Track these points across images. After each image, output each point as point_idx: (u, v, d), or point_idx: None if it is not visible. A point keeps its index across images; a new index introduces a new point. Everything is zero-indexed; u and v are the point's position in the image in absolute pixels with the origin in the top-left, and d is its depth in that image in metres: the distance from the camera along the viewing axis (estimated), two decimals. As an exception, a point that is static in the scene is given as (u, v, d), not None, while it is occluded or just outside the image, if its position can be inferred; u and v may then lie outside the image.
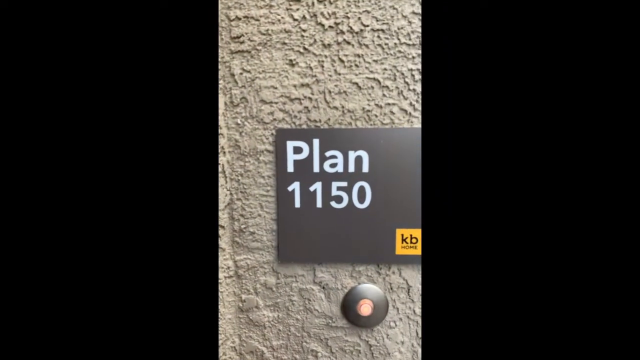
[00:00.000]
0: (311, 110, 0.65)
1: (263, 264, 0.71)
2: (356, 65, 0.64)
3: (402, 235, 0.67)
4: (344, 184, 0.66)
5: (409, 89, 0.64)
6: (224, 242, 0.69)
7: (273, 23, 0.63)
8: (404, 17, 0.62)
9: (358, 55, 0.63)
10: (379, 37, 0.63)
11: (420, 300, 0.70)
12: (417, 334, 0.71)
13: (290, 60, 0.64)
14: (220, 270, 0.69)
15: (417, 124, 0.65)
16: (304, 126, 0.66)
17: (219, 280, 0.70)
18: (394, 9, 0.62)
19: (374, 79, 0.64)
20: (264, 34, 0.64)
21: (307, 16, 0.63)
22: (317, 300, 0.71)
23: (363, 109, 0.65)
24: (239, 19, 0.64)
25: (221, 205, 0.68)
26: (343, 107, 0.65)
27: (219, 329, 0.71)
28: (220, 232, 0.69)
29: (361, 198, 0.66)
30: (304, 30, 0.63)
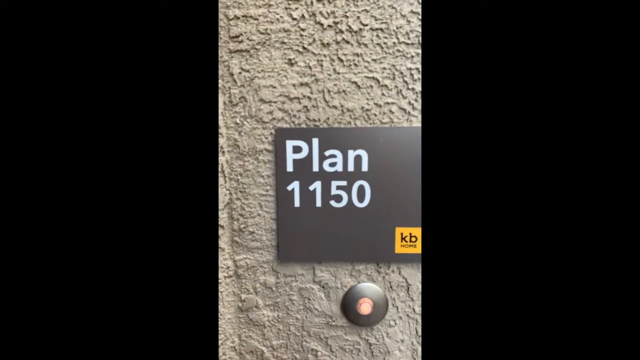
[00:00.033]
0: (310, 110, 0.65)
1: (263, 263, 0.71)
2: (355, 65, 0.64)
3: (402, 234, 0.67)
4: (344, 183, 0.66)
5: (408, 88, 0.64)
6: (223, 241, 0.69)
7: (272, 22, 0.63)
8: (403, 16, 0.62)
9: (357, 55, 0.63)
10: (377, 36, 0.63)
11: (420, 298, 0.70)
12: (416, 332, 0.71)
13: (289, 60, 0.64)
14: (219, 270, 0.69)
15: (416, 123, 0.65)
16: (303, 125, 0.66)
17: (219, 280, 0.70)
18: (393, 8, 0.62)
19: (373, 78, 0.64)
20: (262, 33, 0.64)
21: (306, 15, 0.63)
22: (317, 300, 0.71)
23: (362, 108, 0.65)
24: (238, 18, 0.63)
25: (220, 205, 0.67)
26: (342, 106, 0.65)
27: (219, 328, 0.71)
28: (220, 231, 0.68)
29: (360, 197, 0.66)
30: (303, 30, 0.63)
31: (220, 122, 0.66)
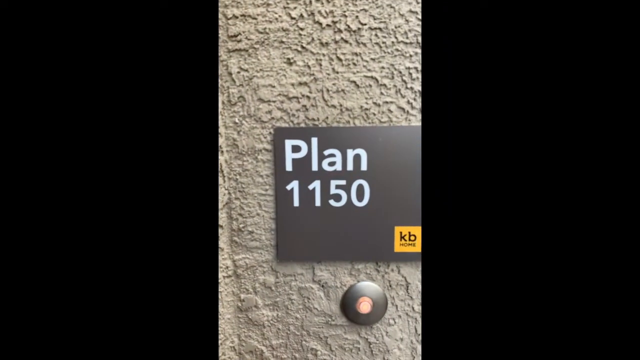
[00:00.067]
0: (309, 109, 0.65)
1: (262, 263, 0.71)
2: (354, 64, 0.64)
3: (401, 232, 0.67)
4: (343, 182, 0.66)
5: (407, 87, 0.64)
6: (222, 241, 0.69)
7: (270, 21, 0.63)
8: (401, 15, 0.62)
9: (356, 54, 0.63)
10: (376, 35, 0.63)
11: (419, 297, 0.70)
12: (415, 330, 0.71)
13: (288, 59, 0.64)
14: (218, 269, 0.69)
15: (415, 122, 0.65)
16: (302, 125, 0.66)
17: (218, 280, 0.70)
18: (391, 7, 0.62)
19: (372, 77, 0.64)
20: (261, 33, 0.64)
21: (305, 15, 0.63)
22: (317, 299, 0.71)
23: (361, 107, 0.65)
24: (236, 17, 0.63)
25: (219, 205, 0.67)
26: (341, 105, 0.65)
27: (218, 328, 0.71)
28: (219, 231, 0.68)
29: (360, 196, 0.66)
30: (302, 29, 0.63)
31: (219, 122, 0.66)
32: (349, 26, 0.63)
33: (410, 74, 0.63)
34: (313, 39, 0.63)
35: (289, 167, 0.66)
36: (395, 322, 0.71)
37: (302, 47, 0.64)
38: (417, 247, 0.68)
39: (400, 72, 0.63)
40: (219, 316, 0.70)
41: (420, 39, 0.63)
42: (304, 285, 0.71)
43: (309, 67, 0.64)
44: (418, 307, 0.71)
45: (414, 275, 0.70)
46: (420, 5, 0.62)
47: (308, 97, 0.65)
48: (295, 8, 0.63)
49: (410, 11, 0.62)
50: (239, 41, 0.64)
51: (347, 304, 0.70)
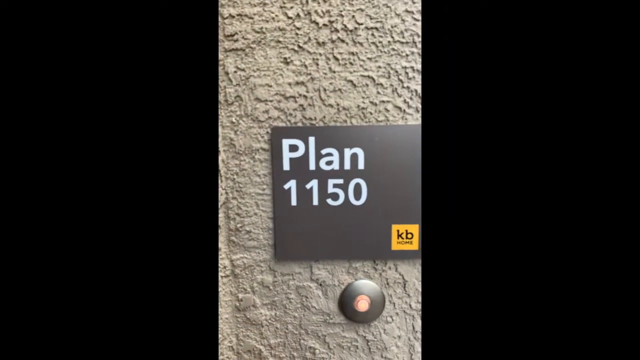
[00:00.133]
0: (306, 108, 0.65)
1: (260, 262, 0.71)
2: (351, 63, 0.64)
3: (398, 230, 0.68)
4: (340, 181, 0.66)
5: (403, 87, 0.64)
6: (220, 241, 0.69)
7: (267, 21, 0.63)
8: (397, 15, 0.62)
9: (352, 53, 0.64)
10: (372, 35, 0.63)
11: (416, 294, 0.71)
12: (413, 328, 0.72)
13: (285, 59, 0.64)
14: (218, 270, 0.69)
15: (412, 121, 0.66)
16: (299, 124, 0.66)
17: (216, 280, 0.70)
18: (387, 7, 0.62)
19: (369, 76, 0.64)
20: (257, 32, 0.64)
21: (301, 14, 0.63)
22: (315, 298, 0.71)
23: (358, 106, 0.65)
24: (233, 16, 0.63)
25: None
26: (338, 104, 0.65)
27: (217, 328, 0.71)
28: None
29: (357, 195, 0.67)
30: (298, 29, 0.63)
31: (216, 122, 0.66)
32: (345, 26, 0.63)
33: (406, 73, 0.64)
34: (310, 39, 0.63)
35: (286, 166, 0.66)
36: (392, 320, 0.72)
37: (299, 46, 0.64)
38: (414, 245, 0.68)
39: (396, 72, 0.64)
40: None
41: (416, 38, 0.63)
42: (301, 284, 0.71)
43: (305, 66, 0.64)
44: (415, 305, 0.71)
45: (411, 273, 0.70)
46: (416, 5, 0.62)
47: (305, 96, 0.65)
48: (291, 8, 0.63)
49: (407, 11, 0.62)
50: (236, 41, 0.64)
51: (345, 302, 0.70)
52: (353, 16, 0.62)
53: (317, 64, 0.64)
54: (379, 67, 0.64)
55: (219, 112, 0.66)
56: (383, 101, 0.65)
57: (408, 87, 0.64)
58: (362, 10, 0.62)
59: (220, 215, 0.69)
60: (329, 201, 0.67)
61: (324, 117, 0.65)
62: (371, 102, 0.65)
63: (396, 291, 0.71)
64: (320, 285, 0.71)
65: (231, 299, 0.72)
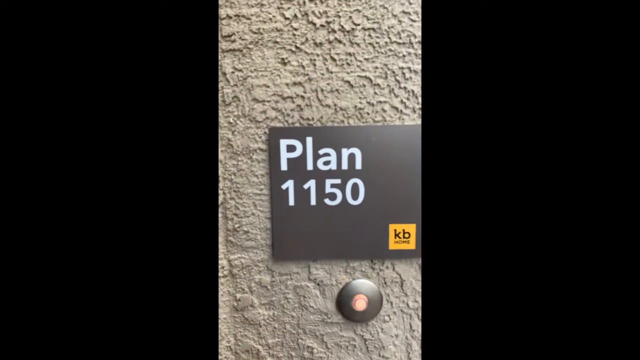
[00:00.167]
0: (304, 109, 0.66)
1: (257, 262, 0.71)
2: (348, 64, 0.64)
3: (395, 230, 0.68)
4: (338, 181, 0.67)
5: (400, 87, 0.65)
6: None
7: (264, 22, 0.64)
8: (394, 16, 0.63)
9: (350, 54, 0.64)
10: (370, 35, 0.63)
11: (414, 294, 0.71)
12: (410, 327, 0.72)
13: (282, 59, 0.64)
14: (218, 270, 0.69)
15: (408, 121, 0.66)
16: (297, 124, 0.66)
17: (214, 280, 0.70)
18: (384, 8, 0.63)
19: (366, 77, 0.65)
20: (255, 33, 0.64)
21: (299, 15, 0.63)
22: (312, 297, 0.72)
23: (355, 107, 0.66)
24: (230, 17, 0.64)
25: (215, 205, 0.67)
26: (335, 105, 0.65)
27: (215, 328, 0.71)
28: (214, 231, 0.68)
29: (355, 195, 0.67)
30: (296, 29, 0.64)
31: (214, 122, 0.66)
32: (342, 26, 0.63)
33: (403, 73, 0.64)
34: (307, 39, 0.64)
35: (284, 166, 0.67)
36: (390, 319, 0.72)
37: (296, 47, 0.64)
38: (412, 245, 0.69)
39: (393, 72, 0.64)
40: (215, 316, 0.70)
41: (413, 39, 0.64)
42: (299, 284, 0.71)
43: (303, 67, 0.65)
44: (413, 304, 0.72)
45: (408, 272, 0.71)
46: (412, 6, 0.63)
47: (302, 96, 0.65)
48: (289, 8, 0.63)
49: (403, 12, 0.63)
50: (233, 41, 0.64)
51: (343, 302, 0.71)
52: (350, 17, 0.63)
53: (315, 65, 0.64)
54: (376, 67, 0.64)
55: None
56: (380, 101, 0.65)
57: (405, 88, 0.65)
58: (359, 11, 0.63)
59: (218, 215, 0.69)
60: (327, 201, 0.67)
61: (322, 117, 0.66)
62: (368, 103, 0.65)
63: (393, 290, 0.71)
64: (318, 284, 0.71)
65: (229, 299, 0.72)
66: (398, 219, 0.68)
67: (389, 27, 0.63)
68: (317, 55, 0.64)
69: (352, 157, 0.66)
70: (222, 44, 0.64)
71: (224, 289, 0.72)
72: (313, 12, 0.63)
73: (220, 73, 0.65)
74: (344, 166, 0.66)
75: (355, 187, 0.67)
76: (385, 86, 0.65)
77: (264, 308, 0.72)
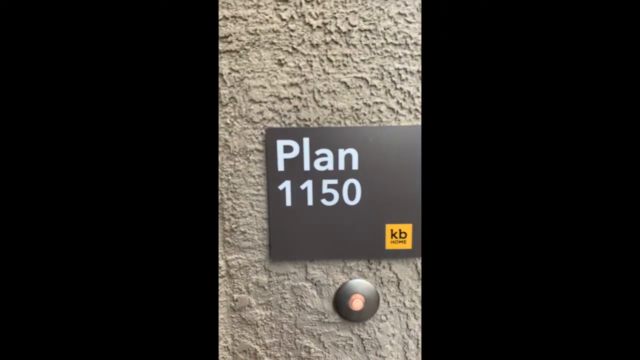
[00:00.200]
0: (300, 110, 0.66)
1: (255, 262, 0.71)
2: (344, 65, 0.65)
3: (392, 230, 0.69)
4: (335, 181, 0.67)
5: (396, 88, 0.65)
6: (215, 242, 0.69)
7: (261, 23, 0.64)
8: (390, 17, 0.63)
9: (346, 55, 0.65)
10: (366, 37, 0.64)
11: (410, 293, 0.72)
12: (407, 326, 0.73)
13: (279, 60, 0.65)
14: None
15: (405, 122, 0.67)
16: (294, 125, 0.66)
17: (211, 281, 0.69)
18: (380, 9, 0.63)
19: (362, 78, 0.65)
20: (252, 34, 0.64)
21: (295, 16, 0.63)
22: (310, 297, 0.72)
23: (352, 107, 0.66)
24: (227, 18, 0.64)
25: (212, 206, 0.67)
26: (332, 106, 0.66)
27: (212, 329, 0.70)
28: (212, 232, 0.68)
29: (351, 195, 0.68)
30: (292, 30, 0.64)
31: (211, 123, 0.66)
32: (339, 28, 0.64)
33: (399, 74, 0.65)
34: (304, 41, 0.64)
35: (280, 167, 0.67)
36: (387, 318, 0.73)
37: (293, 48, 0.64)
38: (408, 244, 0.69)
39: (389, 73, 0.65)
40: (212, 317, 0.70)
41: (409, 40, 0.64)
42: (296, 284, 0.71)
43: (299, 68, 0.65)
44: (409, 303, 0.72)
45: (404, 271, 0.71)
46: (408, 7, 0.63)
47: (299, 97, 0.66)
48: (285, 10, 0.63)
49: (399, 13, 0.63)
50: (230, 42, 0.64)
51: (340, 302, 0.71)
52: (346, 18, 0.63)
53: (311, 66, 0.65)
54: (372, 68, 0.65)
55: (214, 113, 0.66)
56: (376, 102, 0.66)
57: (401, 89, 0.65)
58: (355, 12, 0.63)
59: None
60: (324, 201, 0.68)
61: (318, 118, 0.66)
62: (365, 104, 0.66)
63: (390, 290, 0.72)
64: (315, 284, 0.72)
65: (226, 300, 0.72)
66: (395, 219, 0.68)
67: (385, 29, 0.64)
68: (314, 56, 0.65)
69: (348, 158, 0.66)
70: (219, 45, 0.64)
71: (221, 289, 0.71)
72: (310, 14, 0.63)
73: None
74: (341, 167, 0.67)
75: (352, 188, 0.67)
76: (382, 87, 0.65)
77: (261, 308, 0.72)
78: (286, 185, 0.67)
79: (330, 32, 0.64)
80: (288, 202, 0.68)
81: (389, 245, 0.69)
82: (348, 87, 0.65)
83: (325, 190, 0.67)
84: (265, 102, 0.66)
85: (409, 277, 0.71)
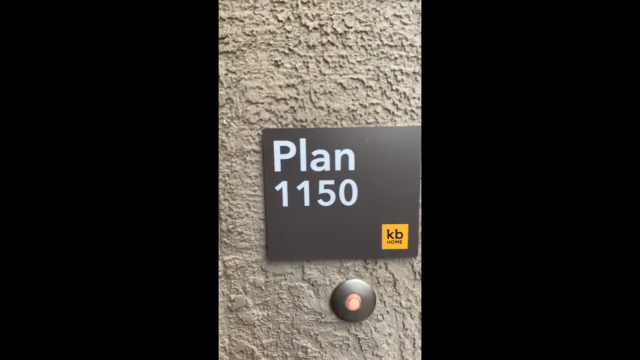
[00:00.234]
0: (297, 110, 0.66)
1: (252, 263, 0.71)
2: (340, 66, 0.65)
3: (388, 230, 0.69)
4: (331, 182, 0.67)
5: (392, 89, 0.66)
6: (212, 243, 0.70)
7: (257, 24, 0.64)
8: (386, 19, 0.64)
9: (342, 56, 0.65)
10: (362, 38, 0.64)
11: (406, 293, 0.72)
12: (403, 325, 0.73)
13: (276, 61, 0.65)
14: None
15: (401, 123, 0.67)
16: (290, 126, 0.67)
17: (208, 281, 0.70)
18: (376, 11, 0.63)
19: (358, 79, 0.65)
20: (248, 35, 0.64)
21: (292, 18, 0.64)
22: (306, 297, 0.72)
23: (348, 108, 0.66)
24: (223, 19, 0.64)
25: (209, 206, 0.68)
26: (328, 107, 0.66)
27: (209, 329, 0.71)
28: (209, 233, 0.69)
29: (348, 195, 0.68)
30: (289, 32, 0.64)
31: (208, 124, 0.66)
32: (335, 29, 0.64)
33: (395, 76, 0.65)
34: (300, 42, 0.64)
35: (277, 167, 0.67)
36: (383, 318, 0.73)
37: (290, 49, 0.65)
38: (404, 244, 0.70)
39: (385, 74, 0.65)
40: (209, 317, 0.71)
41: (404, 42, 0.65)
42: (293, 284, 0.72)
43: (296, 69, 0.65)
44: (405, 303, 0.73)
45: (401, 271, 0.71)
46: (404, 9, 0.64)
47: (296, 98, 0.66)
48: (282, 11, 0.63)
49: (395, 15, 0.64)
50: (227, 43, 0.64)
51: (337, 302, 0.71)
52: (343, 20, 0.64)
53: (308, 67, 0.65)
54: (369, 70, 0.65)
55: (210, 115, 0.66)
56: (372, 103, 0.66)
57: (397, 90, 0.66)
58: (351, 14, 0.63)
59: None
60: (320, 202, 0.68)
61: (315, 119, 0.66)
62: (361, 105, 0.66)
63: (387, 290, 0.72)
64: (312, 285, 0.72)
65: (223, 300, 0.72)
66: (391, 219, 0.69)
67: (381, 30, 0.64)
68: (310, 57, 0.65)
69: (345, 159, 0.67)
70: (216, 46, 0.64)
71: (219, 289, 0.72)
72: (306, 15, 0.63)
73: (213, 75, 0.65)
74: (337, 167, 0.67)
75: (348, 188, 0.68)
76: (378, 88, 0.66)
77: (258, 308, 0.73)
78: (283, 185, 0.68)
79: (327, 34, 0.64)
80: (285, 203, 0.68)
81: (385, 245, 0.70)
82: (344, 88, 0.66)
83: (321, 190, 0.68)
84: (262, 103, 0.66)
85: (405, 277, 0.72)
